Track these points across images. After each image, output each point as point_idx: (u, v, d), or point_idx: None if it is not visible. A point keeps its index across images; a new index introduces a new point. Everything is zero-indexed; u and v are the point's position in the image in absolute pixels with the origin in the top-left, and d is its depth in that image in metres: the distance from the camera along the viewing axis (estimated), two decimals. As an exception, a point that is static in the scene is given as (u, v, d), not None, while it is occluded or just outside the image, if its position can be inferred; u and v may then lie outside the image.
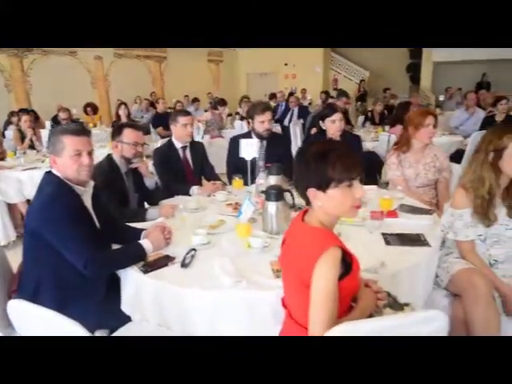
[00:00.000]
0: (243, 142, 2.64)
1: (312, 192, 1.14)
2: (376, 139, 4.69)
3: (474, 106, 5.60)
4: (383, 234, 1.92)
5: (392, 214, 2.14)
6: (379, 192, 2.59)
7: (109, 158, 2.40)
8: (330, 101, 5.46)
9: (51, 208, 1.59)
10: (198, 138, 6.44)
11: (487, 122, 5.09)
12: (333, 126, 2.85)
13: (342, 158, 1.09)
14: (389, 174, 2.72)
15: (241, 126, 6.38)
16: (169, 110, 7.41)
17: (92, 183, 1.84)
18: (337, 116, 2.81)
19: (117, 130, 2.37)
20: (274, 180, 2.44)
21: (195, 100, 8.57)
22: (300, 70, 14.35)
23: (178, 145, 3.01)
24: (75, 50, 9.81)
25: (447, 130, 5.79)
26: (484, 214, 1.70)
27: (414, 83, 13.73)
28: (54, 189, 1.66)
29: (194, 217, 2.32)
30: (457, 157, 4.53)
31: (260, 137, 2.99)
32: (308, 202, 1.19)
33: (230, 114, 7.41)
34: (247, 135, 3.08)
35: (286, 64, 14.68)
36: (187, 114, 2.98)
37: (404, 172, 2.66)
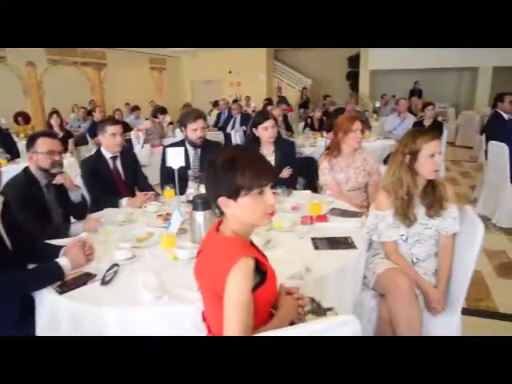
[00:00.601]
0: (169, 151, 2.58)
1: (223, 201, 1.10)
2: (314, 145, 4.79)
3: (405, 112, 5.91)
4: (313, 239, 1.93)
5: (322, 218, 2.16)
6: (312, 197, 2.63)
7: (25, 170, 2.23)
8: (269, 108, 5.55)
9: None
10: (138, 148, 6.27)
11: (416, 127, 5.39)
12: (265, 133, 2.85)
13: (251, 165, 1.07)
14: (321, 179, 2.77)
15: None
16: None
17: (0, 199, 1.69)
18: (269, 123, 2.82)
19: (30, 140, 2.21)
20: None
21: (135, 108, 8.32)
22: (244, 78, 14.48)
23: (107, 155, 2.87)
24: (4, 55, 9.20)
25: (382, 135, 6.07)
26: (404, 214, 1.76)
27: (354, 90, 14.31)
28: None
29: (122, 230, 2.22)
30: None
31: (193, 145, 2.93)
32: (222, 212, 1.16)
33: (171, 123, 7.26)
34: (181, 143, 3.02)
35: (230, 72, 14.75)
36: (115, 122, 2.86)
37: (335, 176, 2.72)
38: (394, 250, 1.83)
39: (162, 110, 6.45)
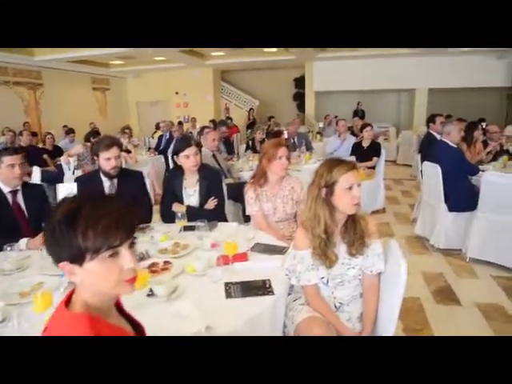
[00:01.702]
0: (60, 189, 2.27)
1: (65, 266, 0.85)
2: (252, 168, 4.62)
3: (345, 133, 5.93)
4: (226, 285, 1.70)
5: (241, 257, 1.95)
6: (237, 230, 2.41)
7: None
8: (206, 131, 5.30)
9: None
10: (68, 174, 5.83)
11: (355, 148, 5.40)
12: (187, 162, 2.62)
13: (97, 220, 0.82)
14: (247, 210, 2.57)
15: (117, 159, 5.89)
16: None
17: None
18: (190, 151, 2.60)
19: None
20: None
21: (70, 131, 7.81)
22: (192, 99, 14.29)
23: (5, 189, 2.50)
24: None
25: (325, 156, 6.05)
26: (323, 254, 1.58)
27: (301, 111, 14.53)
28: None
29: (9, 280, 1.89)
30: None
31: (108, 175, 2.64)
32: None
33: None
34: (95, 174, 2.72)
35: (176, 92, 14.51)
36: (14, 152, 2.51)
37: (262, 206, 2.53)
38: (314, 295, 1.64)
39: (95, 134, 6.06)
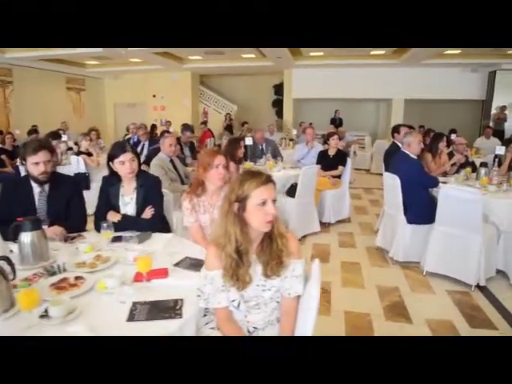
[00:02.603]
0: None
1: None
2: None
3: (312, 141, 5.83)
4: (134, 305, 1.54)
5: (159, 273, 1.79)
6: (170, 241, 2.25)
7: None
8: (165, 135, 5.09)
9: None
10: (24, 176, 5.57)
11: (321, 156, 5.30)
12: (122, 168, 2.45)
13: None
14: (184, 221, 2.42)
15: (77, 162, 5.67)
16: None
17: None
18: (126, 156, 2.43)
19: None
20: (27, 237, 1.94)
21: (33, 132, 7.53)
22: (169, 102, 14.09)
23: None
24: None
25: (294, 164, 5.94)
26: (235, 275, 1.43)
27: (280, 117, 14.48)
28: None
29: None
30: (291, 191, 4.55)
31: (37, 181, 2.46)
32: None
33: (70, 148, 6.61)
34: (24, 179, 2.53)
35: (154, 95, 14.30)
36: None
37: (199, 218, 2.38)
38: (225, 319, 1.49)
39: (55, 135, 5.82)
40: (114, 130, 14.95)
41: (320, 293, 1.46)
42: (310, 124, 9.12)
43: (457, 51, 9.81)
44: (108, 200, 2.57)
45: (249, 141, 5.42)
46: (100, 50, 9.27)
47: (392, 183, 3.80)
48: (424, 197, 3.71)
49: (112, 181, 2.60)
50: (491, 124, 10.51)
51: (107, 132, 14.62)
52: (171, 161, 4.33)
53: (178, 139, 5.88)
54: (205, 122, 10.03)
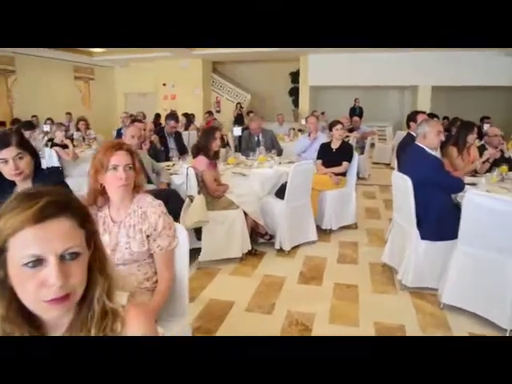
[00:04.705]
0: None
1: None
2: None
3: (315, 132, 4.99)
4: None
5: None
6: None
7: None
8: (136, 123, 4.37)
9: None
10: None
11: (322, 149, 4.47)
12: (4, 169, 1.77)
13: None
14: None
15: (48, 155, 5.06)
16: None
17: None
18: (7, 153, 1.73)
19: None
20: None
21: (15, 121, 7.00)
22: (180, 91, 13.44)
23: None
24: None
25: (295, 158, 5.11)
26: None
27: (297, 107, 13.61)
28: None
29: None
30: (281, 192, 3.76)
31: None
32: None
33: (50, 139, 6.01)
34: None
35: (164, 84, 13.68)
36: None
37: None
38: None
39: (28, 125, 5.22)
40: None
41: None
42: (323, 113, 8.22)
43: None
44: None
45: (237, 131, 4.64)
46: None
47: (402, 186, 2.95)
48: (443, 205, 2.83)
49: (3, 186, 1.89)
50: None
51: (118, 123, 14.15)
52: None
53: (162, 130, 5.19)
54: (209, 112, 9.25)
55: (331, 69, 11.59)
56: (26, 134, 5.35)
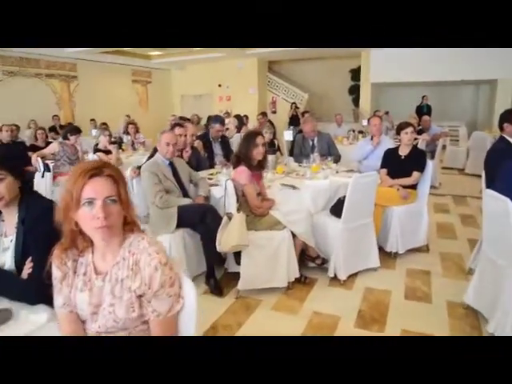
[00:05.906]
0: None
1: None
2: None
3: (378, 136, 4.30)
4: None
5: None
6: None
7: None
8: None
9: None
10: (37, 176, 4.93)
11: (388, 156, 3.79)
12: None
13: None
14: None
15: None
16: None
17: None
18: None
19: None
20: None
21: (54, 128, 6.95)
22: (235, 92, 13.18)
23: None
24: None
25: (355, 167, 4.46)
26: None
27: (357, 106, 12.76)
28: None
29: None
30: (337, 209, 3.17)
31: None
32: None
33: (113, 142, 5.86)
34: None
35: (219, 85, 13.50)
36: None
37: (74, 298, 1.19)
38: None
39: (74, 130, 5.09)
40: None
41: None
42: (387, 112, 7.40)
43: None
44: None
45: (288, 135, 4.09)
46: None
47: (497, 209, 2.24)
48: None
49: None
50: None
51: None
52: (171, 164, 3.22)
53: (206, 135, 4.79)
54: (263, 113, 8.76)
55: (395, 64, 10.61)
56: (72, 138, 5.26)
